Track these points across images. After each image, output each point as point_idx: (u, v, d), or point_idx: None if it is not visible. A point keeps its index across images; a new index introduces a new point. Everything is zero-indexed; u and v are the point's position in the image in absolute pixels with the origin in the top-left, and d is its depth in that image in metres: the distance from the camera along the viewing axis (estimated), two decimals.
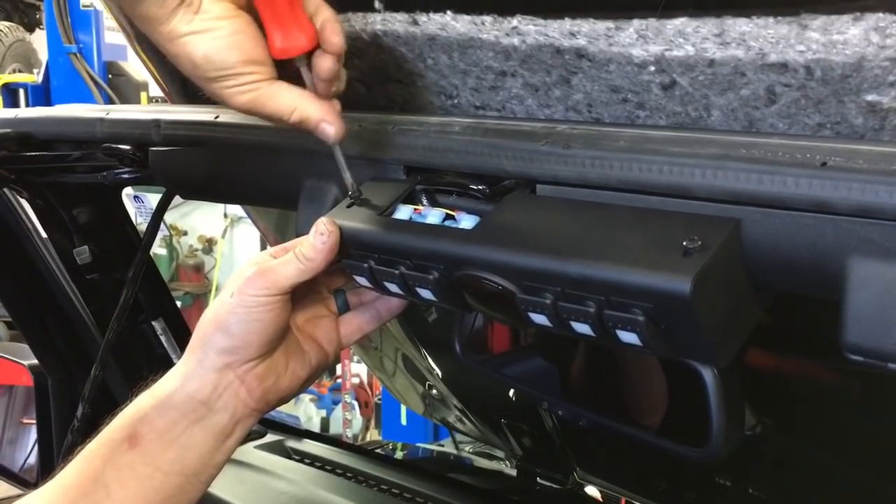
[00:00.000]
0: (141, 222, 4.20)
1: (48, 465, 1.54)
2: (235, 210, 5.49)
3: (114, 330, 1.25)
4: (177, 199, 1.21)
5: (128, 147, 1.03)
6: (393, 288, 0.70)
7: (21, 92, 5.78)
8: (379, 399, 4.36)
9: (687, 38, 0.59)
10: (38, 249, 1.38)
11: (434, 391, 1.92)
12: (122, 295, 1.24)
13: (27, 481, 1.67)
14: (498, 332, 0.82)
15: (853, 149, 0.52)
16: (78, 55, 5.40)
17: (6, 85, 5.79)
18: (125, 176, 1.09)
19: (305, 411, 4.60)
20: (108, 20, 5.22)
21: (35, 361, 1.55)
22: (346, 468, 1.46)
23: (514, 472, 1.87)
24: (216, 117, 0.91)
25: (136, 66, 5.40)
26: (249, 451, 1.51)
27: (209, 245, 6.04)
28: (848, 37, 0.53)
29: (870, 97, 0.55)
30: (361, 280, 0.72)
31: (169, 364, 1.44)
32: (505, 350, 0.85)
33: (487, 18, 0.69)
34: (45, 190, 1.30)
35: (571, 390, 0.79)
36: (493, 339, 0.83)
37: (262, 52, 0.65)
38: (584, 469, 1.62)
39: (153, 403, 0.70)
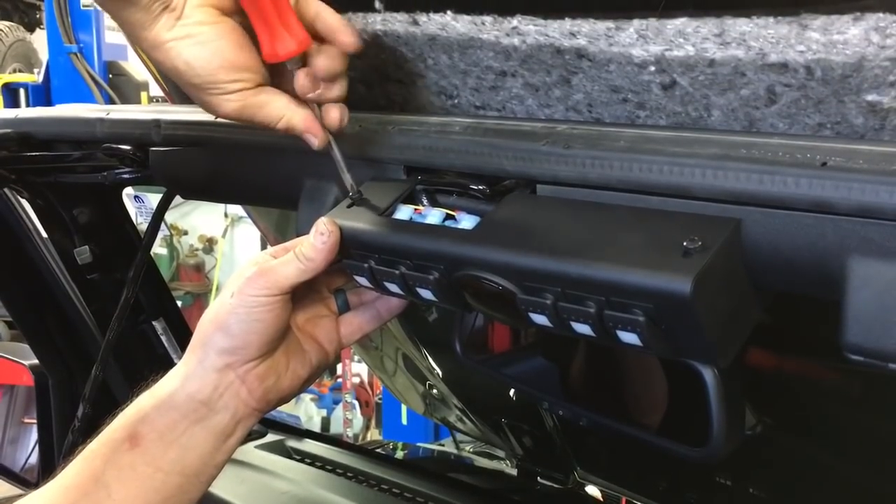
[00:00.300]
0: (141, 222, 4.20)
1: (49, 465, 1.54)
2: (236, 210, 5.50)
3: (114, 330, 1.25)
4: (177, 198, 1.21)
5: (128, 147, 1.03)
6: (393, 288, 0.70)
7: (21, 92, 5.79)
8: (379, 399, 4.37)
9: (687, 38, 0.59)
10: (39, 249, 1.38)
11: (434, 391, 1.92)
12: (123, 295, 1.24)
13: (28, 481, 1.67)
14: (498, 332, 0.82)
15: (853, 149, 0.52)
16: (78, 55, 5.40)
17: (6, 85, 5.79)
18: (125, 176, 1.09)
19: (306, 411, 4.60)
20: (109, 20, 5.21)
21: (36, 361, 1.55)
22: (346, 468, 1.46)
23: (514, 472, 1.88)
24: (216, 117, 0.90)
25: (136, 66, 5.40)
26: (250, 451, 1.51)
27: (210, 245, 6.04)
28: (848, 37, 0.53)
29: (870, 97, 0.55)
30: (362, 280, 0.72)
31: (169, 364, 1.44)
32: (505, 350, 0.85)
33: (488, 18, 0.69)
34: (46, 190, 1.30)
35: (572, 390, 0.79)
36: (493, 338, 0.83)
37: (247, 57, 0.65)
38: (584, 468, 1.62)
39: (154, 403, 0.70)
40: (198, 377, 0.70)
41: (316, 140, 0.69)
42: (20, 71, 6.28)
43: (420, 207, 0.70)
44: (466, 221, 0.66)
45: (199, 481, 0.71)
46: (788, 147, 0.53)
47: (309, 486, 1.40)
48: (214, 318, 0.70)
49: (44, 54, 5.98)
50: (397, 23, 0.74)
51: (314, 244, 0.69)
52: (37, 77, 5.94)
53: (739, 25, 0.57)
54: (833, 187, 0.50)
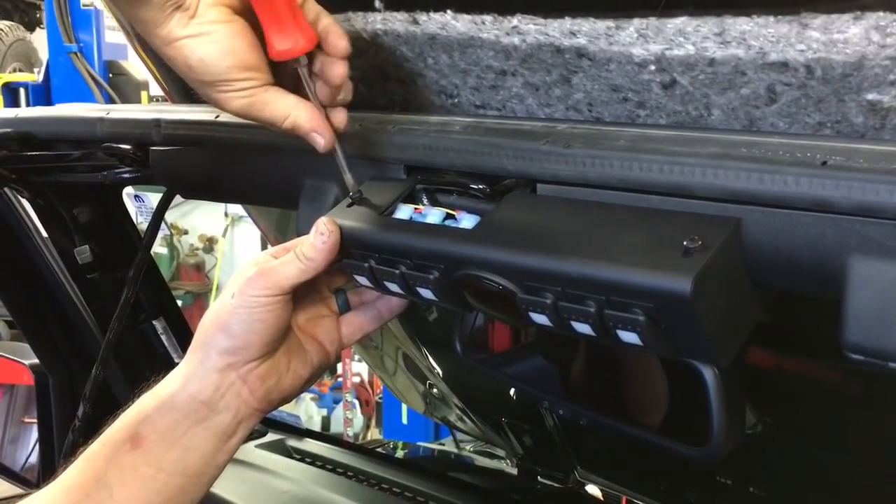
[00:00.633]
0: (141, 222, 4.20)
1: (49, 465, 1.54)
2: (236, 209, 5.50)
3: (114, 329, 1.25)
4: (177, 198, 1.21)
5: (128, 146, 1.03)
6: (393, 287, 0.70)
7: (21, 91, 5.79)
8: (380, 398, 4.37)
9: (687, 37, 0.59)
10: (39, 249, 1.38)
11: (435, 390, 1.92)
12: (123, 294, 1.24)
13: (28, 481, 1.67)
14: (498, 332, 0.82)
15: (854, 148, 0.52)
16: (78, 54, 5.40)
17: (6, 84, 5.79)
18: (126, 175, 1.09)
19: (306, 410, 4.60)
20: (109, 19, 5.22)
21: (36, 361, 1.55)
22: (347, 467, 1.46)
23: (514, 471, 1.88)
24: (217, 117, 0.91)
25: (136, 66, 5.40)
26: (250, 451, 1.51)
27: (210, 244, 6.04)
28: (848, 36, 0.53)
29: (870, 96, 0.55)
30: (362, 280, 0.72)
31: (170, 363, 1.44)
32: (505, 349, 0.85)
33: (488, 18, 0.69)
34: (46, 189, 1.30)
35: (572, 389, 0.79)
36: (493, 338, 0.83)
37: (257, 57, 0.65)
38: (584, 468, 1.62)
39: (155, 404, 0.70)
40: (199, 378, 0.70)
41: (322, 140, 0.69)
42: (20, 70, 6.29)
43: (420, 207, 0.70)
44: (466, 221, 0.66)
45: (201, 482, 0.71)
46: (789, 146, 0.53)
47: (309, 486, 1.40)
48: (215, 319, 0.70)
49: (44, 54, 5.98)
50: (397, 22, 0.74)
51: (314, 244, 0.69)
52: (37, 76, 5.95)
53: (739, 24, 0.57)
54: (833, 186, 0.50)
